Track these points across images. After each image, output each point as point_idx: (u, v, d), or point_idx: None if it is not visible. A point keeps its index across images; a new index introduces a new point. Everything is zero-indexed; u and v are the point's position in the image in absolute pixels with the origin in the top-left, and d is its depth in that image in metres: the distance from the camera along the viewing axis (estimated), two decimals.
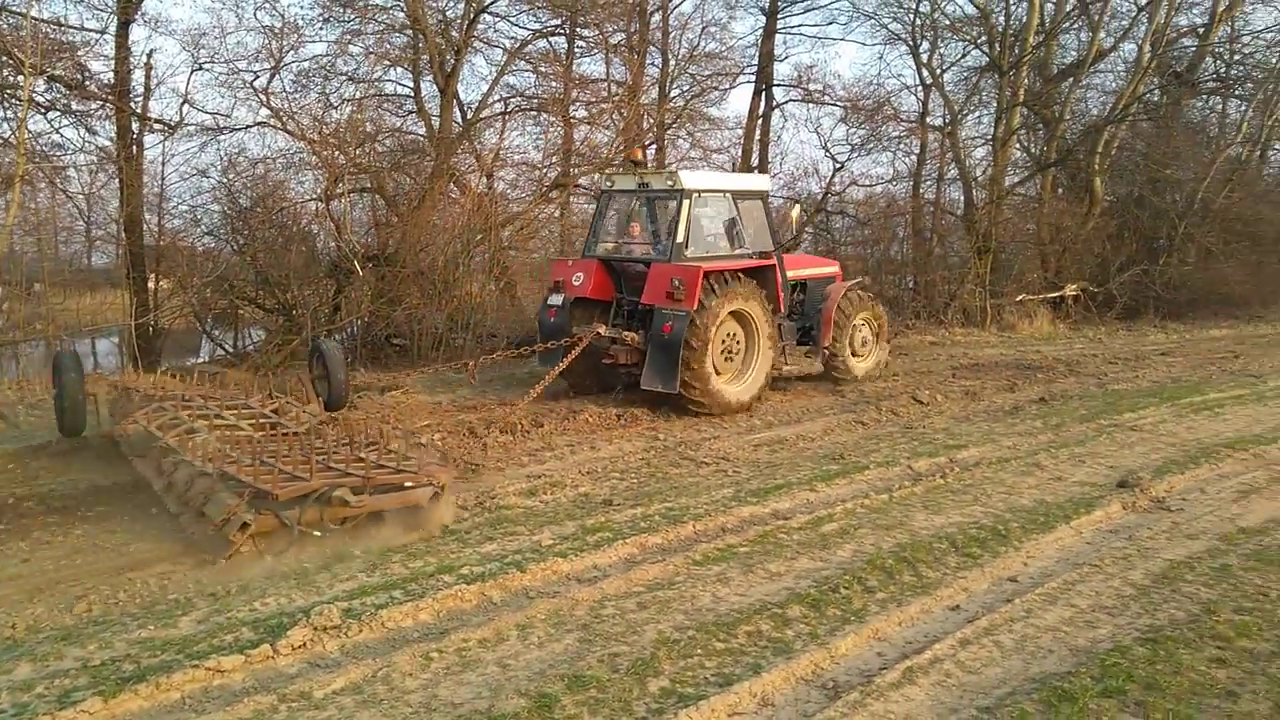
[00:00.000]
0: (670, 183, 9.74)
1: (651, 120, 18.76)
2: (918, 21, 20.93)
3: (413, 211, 14.42)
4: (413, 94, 16.44)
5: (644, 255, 10.02)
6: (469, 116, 16.56)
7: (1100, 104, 22.54)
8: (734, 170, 19.70)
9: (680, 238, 9.44)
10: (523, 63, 17.05)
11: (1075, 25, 22.02)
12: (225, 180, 14.73)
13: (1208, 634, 4.23)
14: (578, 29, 17.39)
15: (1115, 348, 16.04)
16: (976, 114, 22.41)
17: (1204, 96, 24.58)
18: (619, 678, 3.78)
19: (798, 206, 12.67)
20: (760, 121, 21.12)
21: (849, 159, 20.83)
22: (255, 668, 3.84)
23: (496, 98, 16.88)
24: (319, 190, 14.60)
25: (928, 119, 21.11)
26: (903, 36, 21.46)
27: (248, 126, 14.96)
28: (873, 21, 22.21)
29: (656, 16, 19.59)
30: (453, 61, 15.65)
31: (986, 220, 19.16)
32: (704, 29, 19.95)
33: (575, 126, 17.06)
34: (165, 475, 6.22)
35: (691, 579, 4.91)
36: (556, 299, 10.00)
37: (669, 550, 5.36)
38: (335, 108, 15.71)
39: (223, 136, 14.92)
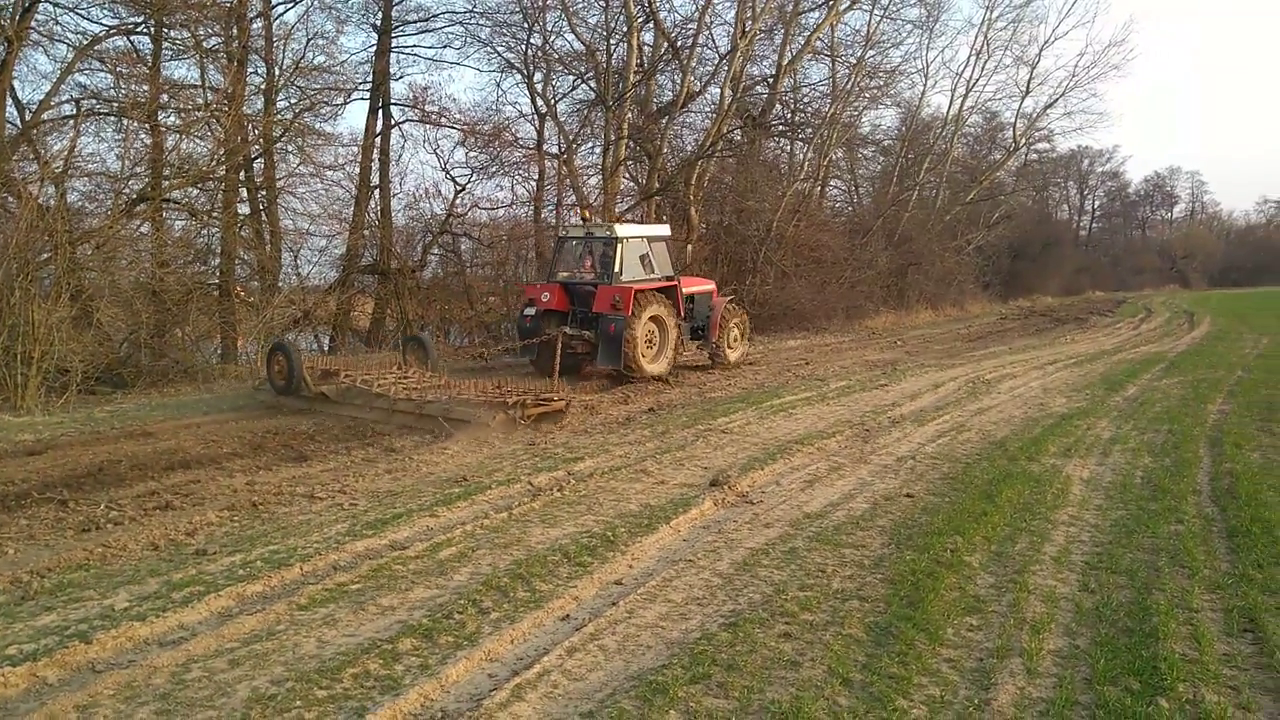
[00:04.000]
0: (609, 233, 13.88)
1: (257, 132, 17.47)
2: (530, 53, 21.79)
3: None
4: None
5: (593, 279, 14.01)
6: (29, 118, 14.26)
7: (694, 140, 25.07)
8: (355, 188, 19.59)
9: (617, 269, 13.53)
10: (97, 62, 15.04)
11: (669, 67, 24.30)
12: None
13: (778, 612, 4.78)
14: (165, 29, 15.69)
15: None
16: (589, 144, 23.81)
17: (776, 139, 28.42)
18: None
19: (690, 245, 17.55)
20: (379, 140, 20.61)
21: (470, 182, 21.06)
22: None
23: (65, 98, 14.74)
24: None
25: (545, 146, 22.02)
26: (517, 66, 22.22)
27: None
28: (488, 48, 22.74)
29: (258, 23, 18.31)
30: (3, 54, 13.38)
31: None
32: (310, 40, 18.91)
33: (165, 134, 15.37)
34: (386, 409, 10.40)
35: (295, 626, 4.56)
36: (530, 310, 13.89)
37: (271, 598, 4.93)
38: None
39: None
